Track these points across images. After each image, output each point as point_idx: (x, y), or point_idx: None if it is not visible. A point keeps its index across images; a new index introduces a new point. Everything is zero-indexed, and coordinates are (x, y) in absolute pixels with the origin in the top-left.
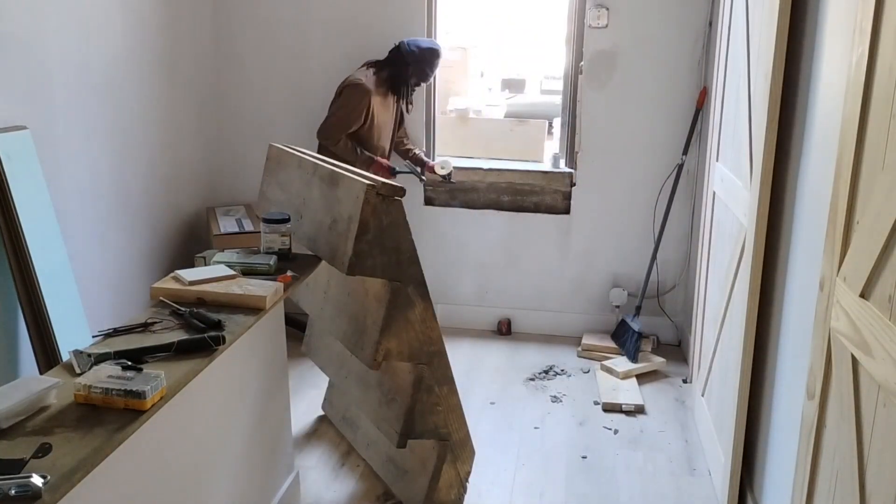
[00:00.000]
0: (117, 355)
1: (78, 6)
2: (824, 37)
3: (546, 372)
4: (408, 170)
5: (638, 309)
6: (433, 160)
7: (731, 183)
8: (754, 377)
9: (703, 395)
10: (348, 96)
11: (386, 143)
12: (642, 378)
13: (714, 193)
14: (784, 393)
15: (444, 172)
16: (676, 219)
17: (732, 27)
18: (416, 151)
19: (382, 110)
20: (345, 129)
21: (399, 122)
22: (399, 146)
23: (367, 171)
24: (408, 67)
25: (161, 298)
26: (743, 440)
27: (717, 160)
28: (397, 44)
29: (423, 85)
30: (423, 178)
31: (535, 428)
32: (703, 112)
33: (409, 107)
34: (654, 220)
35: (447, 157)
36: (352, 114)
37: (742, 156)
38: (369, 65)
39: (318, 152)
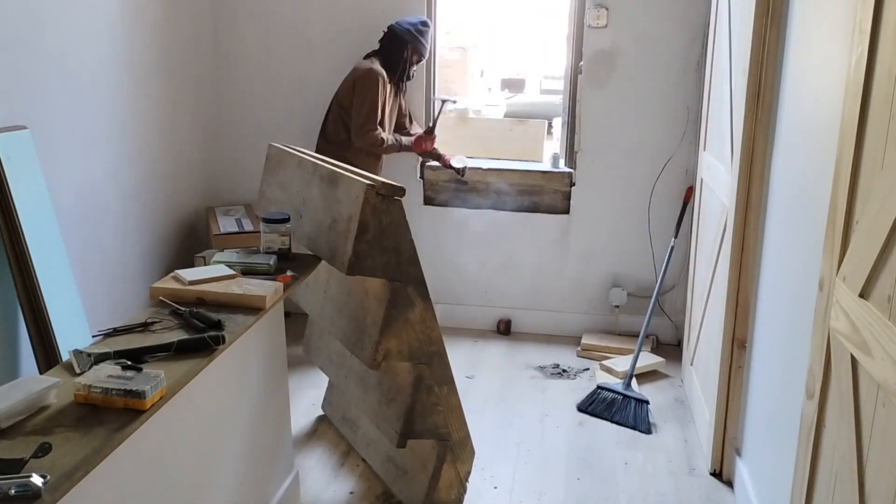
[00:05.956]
0: (117, 355)
1: (78, 6)
2: (791, 37)
3: (546, 371)
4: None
5: (630, 377)
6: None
7: (715, 169)
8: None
9: (692, 364)
10: (366, 85)
11: (390, 131)
12: (642, 378)
13: (702, 180)
14: (760, 353)
15: (459, 165)
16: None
17: (717, 28)
18: (419, 131)
19: (390, 97)
20: (377, 120)
21: (400, 110)
22: (402, 130)
23: (413, 149)
24: (406, 46)
25: (161, 298)
26: (726, 396)
27: (704, 149)
28: (387, 29)
29: (423, 62)
30: (459, 170)
31: (535, 428)
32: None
33: (408, 81)
34: (651, 220)
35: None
36: (377, 100)
37: (724, 143)
38: (369, 55)
39: (351, 162)
